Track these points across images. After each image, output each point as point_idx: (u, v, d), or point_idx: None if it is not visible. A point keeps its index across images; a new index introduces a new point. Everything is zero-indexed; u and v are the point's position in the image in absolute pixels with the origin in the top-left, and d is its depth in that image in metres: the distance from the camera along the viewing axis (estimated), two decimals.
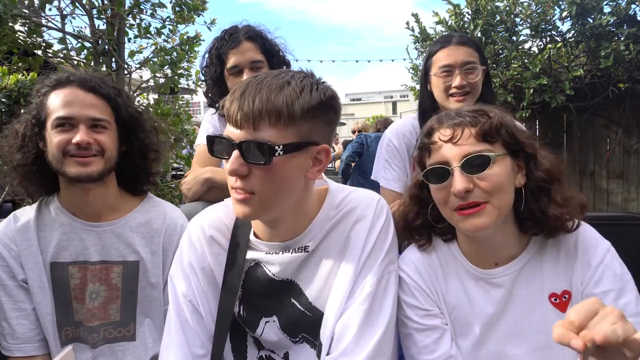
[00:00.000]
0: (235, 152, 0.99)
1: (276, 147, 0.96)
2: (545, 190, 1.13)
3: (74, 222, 1.43)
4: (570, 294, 1.13)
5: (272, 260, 1.16)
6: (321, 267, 1.14)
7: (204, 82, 2.16)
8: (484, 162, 1.07)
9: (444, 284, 1.21)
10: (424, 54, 2.03)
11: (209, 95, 2.12)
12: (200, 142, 2.16)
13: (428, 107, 1.96)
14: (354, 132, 7.35)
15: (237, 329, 1.23)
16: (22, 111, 1.47)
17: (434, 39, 4.31)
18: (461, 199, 1.07)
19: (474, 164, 1.07)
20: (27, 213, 1.45)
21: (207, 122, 2.18)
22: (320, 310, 1.13)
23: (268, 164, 0.97)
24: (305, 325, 1.15)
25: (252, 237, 1.19)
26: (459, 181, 1.06)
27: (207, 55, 2.07)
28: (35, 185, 1.44)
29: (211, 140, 1.04)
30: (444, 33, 4.55)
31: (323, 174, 1.18)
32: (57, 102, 1.35)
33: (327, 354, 1.09)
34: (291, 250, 1.15)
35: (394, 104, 39.00)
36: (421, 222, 1.24)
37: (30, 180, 1.42)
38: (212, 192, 1.81)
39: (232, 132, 1.00)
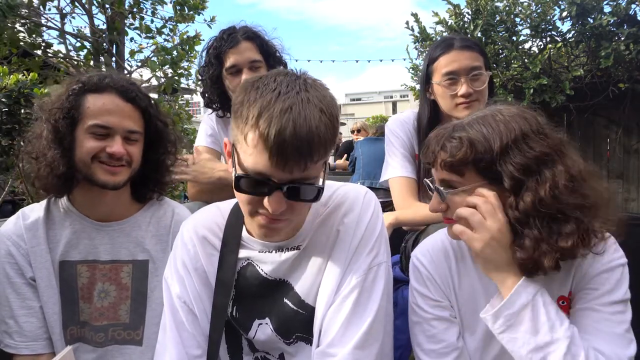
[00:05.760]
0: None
1: None
2: None
3: (84, 221, 1.43)
4: (573, 295, 1.13)
5: (264, 258, 1.16)
6: (312, 263, 1.15)
7: (201, 81, 2.16)
8: None
9: (457, 278, 1.21)
10: (424, 59, 1.86)
11: (206, 94, 2.11)
12: (199, 143, 2.16)
13: (429, 119, 1.82)
14: (352, 131, 7.44)
15: (233, 330, 1.23)
16: (48, 108, 1.37)
17: (434, 41, 4.28)
18: None
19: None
20: (36, 211, 1.44)
21: (205, 124, 2.18)
22: (312, 306, 1.14)
23: None
24: (299, 324, 1.15)
25: (245, 234, 1.19)
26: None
27: (204, 55, 2.06)
28: (61, 183, 1.38)
29: None
30: (444, 33, 4.54)
31: None
32: (96, 108, 1.33)
33: (317, 347, 1.10)
34: (284, 250, 1.15)
35: (394, 104, 38.95)
36: None
37: (59, 178, 1.36)
38: (223, 193, 1.75)
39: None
